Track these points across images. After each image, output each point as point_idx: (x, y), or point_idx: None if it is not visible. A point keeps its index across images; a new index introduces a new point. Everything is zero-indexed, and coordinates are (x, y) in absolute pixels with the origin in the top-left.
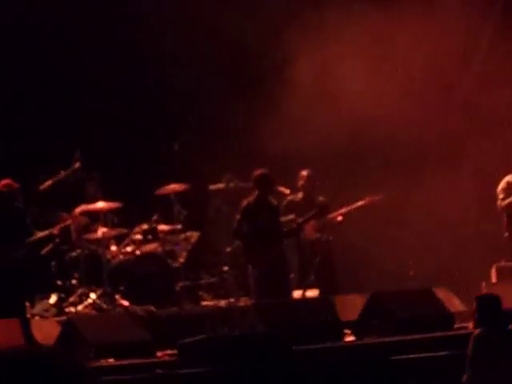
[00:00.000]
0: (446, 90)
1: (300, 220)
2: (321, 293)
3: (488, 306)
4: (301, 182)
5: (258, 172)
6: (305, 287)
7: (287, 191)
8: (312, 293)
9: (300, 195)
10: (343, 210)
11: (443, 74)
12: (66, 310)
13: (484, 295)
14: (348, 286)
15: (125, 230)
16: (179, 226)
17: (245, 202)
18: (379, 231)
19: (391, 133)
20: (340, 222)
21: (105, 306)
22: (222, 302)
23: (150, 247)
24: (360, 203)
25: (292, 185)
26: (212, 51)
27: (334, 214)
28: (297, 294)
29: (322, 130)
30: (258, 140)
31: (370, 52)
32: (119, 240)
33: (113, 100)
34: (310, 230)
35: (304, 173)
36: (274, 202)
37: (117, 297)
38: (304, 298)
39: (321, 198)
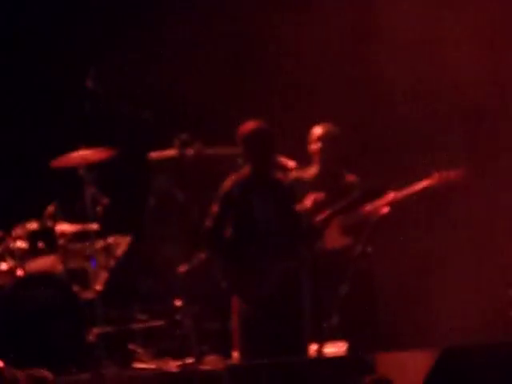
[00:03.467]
0: None
1: (328, 213)
2: (351, 347)
3: None
4: (314, 147)
5: (248, 127)
6: (323, 337)
7: (292, 164)
8: (335, 347)
9: (313, 169)
10: (393, 196)
11: None
12: None
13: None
14: (399, 335)
15: None
16: (94, 226)
17: (227, 184)
18: (455, 234)
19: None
20: (384, 217)
21: None
22: (172, 364)
23: (43, 263)
24: (424, 184)
25: (300, 156)
26: None
27: (377, 202)
28: (310, 348)
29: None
30: (241, 78)
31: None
32: None
33: None
34: (333, 233)
35: (319, 130)
36: (284, 177)
37: None
38: (322, 357)
39: (350, 177)
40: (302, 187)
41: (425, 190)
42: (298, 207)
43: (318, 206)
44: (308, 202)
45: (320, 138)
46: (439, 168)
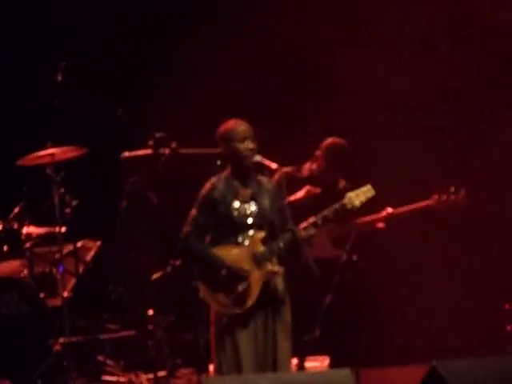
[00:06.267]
0: None
1: (322, 215)
2: (333, 362)
3: None
4: (320, 156)
5: (228, 125)
6: (303, 351)
7: (274, 166)
8: (317, 363)
9: (310, 167)
10: (390, 212)
11: None
12: None
13: None
14: (384, 349)
15: None
16: (63, 229)
17: (206, 187)
18: (448, 246)
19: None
20: (378, 231)
21: None
22: (143, 377)
23: (7, 267)
24: (422, 204)
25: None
26: None
27: (374, 216)
28: (291, 362)
29: None
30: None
31: None
32: None
33: None
34: (323, 243)
35: (331, 146)
36: (271, 180)
37: None
38: (302, 373)
39: (342, 182)
40: (293, 183)
41: (422, 209)
42: (285, 205)
43: (310, 199)
44: (301, 192)
45: (328, 153)
46: (438, 189)
